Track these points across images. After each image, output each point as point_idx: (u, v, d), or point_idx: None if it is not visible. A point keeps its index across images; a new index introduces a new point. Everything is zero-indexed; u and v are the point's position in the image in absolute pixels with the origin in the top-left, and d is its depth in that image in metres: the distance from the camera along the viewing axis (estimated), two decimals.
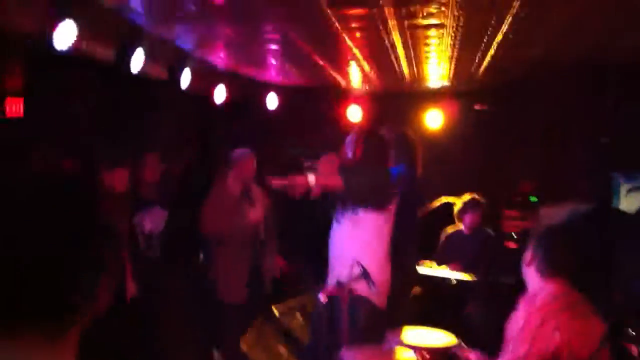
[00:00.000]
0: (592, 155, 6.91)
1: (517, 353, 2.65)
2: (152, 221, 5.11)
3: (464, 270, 5.38)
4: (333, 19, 4.44)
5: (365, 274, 3.84)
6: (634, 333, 2.93)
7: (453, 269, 5.44)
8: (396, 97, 7.80)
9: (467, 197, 5.80)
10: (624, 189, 6.52)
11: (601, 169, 6.63)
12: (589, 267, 2.94)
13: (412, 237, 4.89)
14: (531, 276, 2.87)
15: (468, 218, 5.75)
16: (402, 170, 4.90)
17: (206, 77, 6.16)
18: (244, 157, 5.62)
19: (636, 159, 6.52)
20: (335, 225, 4.52)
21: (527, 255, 2.90)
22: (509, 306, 2.91)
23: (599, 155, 6.91)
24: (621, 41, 5.25)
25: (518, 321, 2.75)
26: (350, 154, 4.60)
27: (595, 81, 6.46)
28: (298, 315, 4.10)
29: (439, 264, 5.57)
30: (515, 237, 6.48)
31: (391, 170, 4.87)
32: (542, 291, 2.77)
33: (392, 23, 4.56)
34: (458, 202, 5.85)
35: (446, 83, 7.15)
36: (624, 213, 5.28)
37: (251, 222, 5.52)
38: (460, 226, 5.82)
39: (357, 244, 4.27)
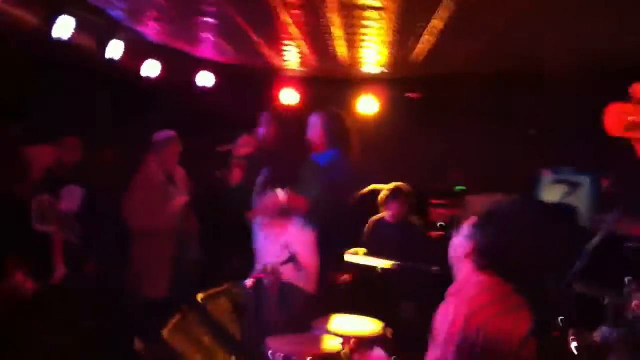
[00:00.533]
0: (519, 147, 7.04)
1: (444, 346, 2.62)
2: (68, 200, 4.89)
3: (390, 258, 5.37)
4: None
5: (292, 259, 3.79)
6: (561, 321, 2.98)
7: (379, 257, 5.43)
8: (332, 82, 7.73)
9: (392, 185, 5.79)
10: (547, 181, 6.67)
11: (527, 161, 6.76)
12: (521, 258, 2.94)
13: (341, 224, 4.85)
14: (463, 267, 2.82)
15: (393, 206, 5.73)
16: (334, 155, 4.81)
17: (137, 50, 5.89)
18: (168, 141, 5.41)
19: (560, 151, 6.69)
20: None
21: (462, 245, 2.84)
22: (436, 295, 2.88)
23: (526, 147, 7.05)
24: (564, 34, 5.31)
25: (446, 314, 2.71)
26: (262, 134, 4.50)
27: (531, 76, 6.56)
28: (224, 300, 4.01)
29: (367, 251, 5.55)
30: (441, 225, 6.54)
31: (324, 155, 4.80)
32: (472, 282, 2.73)
33: (331, 1, 4.48)
34: (384, 190, 5.83)
35: (383, 69, 7.12)
36: (548, 204, 5.41)
37: (178, 207, 5.35)
38: (386, 214, 5.81)
39: (285, 230, 4.21)
